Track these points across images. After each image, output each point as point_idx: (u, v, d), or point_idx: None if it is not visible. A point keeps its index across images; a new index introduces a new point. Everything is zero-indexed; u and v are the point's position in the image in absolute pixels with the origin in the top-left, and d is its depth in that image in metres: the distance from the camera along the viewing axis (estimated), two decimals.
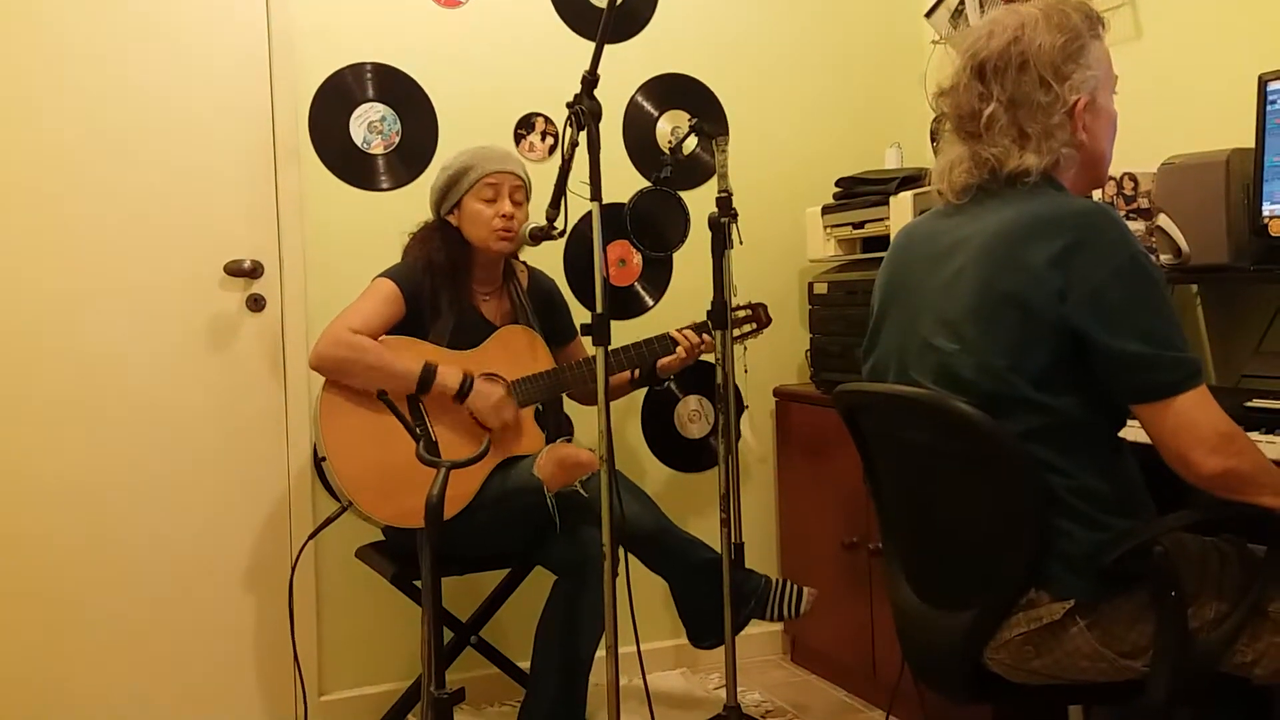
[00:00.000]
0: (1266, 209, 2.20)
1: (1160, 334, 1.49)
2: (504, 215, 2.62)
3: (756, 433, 3.40)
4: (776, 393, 3.35)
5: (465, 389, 2.51)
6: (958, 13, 2.96)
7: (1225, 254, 2.25)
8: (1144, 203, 2.46)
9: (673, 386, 3.29)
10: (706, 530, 2.88)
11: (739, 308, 2.82)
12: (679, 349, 2.73)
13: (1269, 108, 2.21)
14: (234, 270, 2.88)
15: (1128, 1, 2.77)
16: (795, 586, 2.74)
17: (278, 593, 2.88)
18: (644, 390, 3.22)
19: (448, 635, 2.71)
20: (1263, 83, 2.23)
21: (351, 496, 2.44)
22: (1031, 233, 1.53)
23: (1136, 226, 2.42)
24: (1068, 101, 1.62)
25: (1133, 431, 1.59)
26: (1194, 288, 2.54)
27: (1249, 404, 2.02)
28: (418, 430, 2.09)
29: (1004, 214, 1.58)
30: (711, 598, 2.63)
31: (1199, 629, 1.53)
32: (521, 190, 2.67)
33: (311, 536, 2.71)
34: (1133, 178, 2.46)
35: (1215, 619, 1.54)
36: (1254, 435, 1.85)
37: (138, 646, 2.83)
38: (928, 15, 3.10)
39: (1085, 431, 1.55)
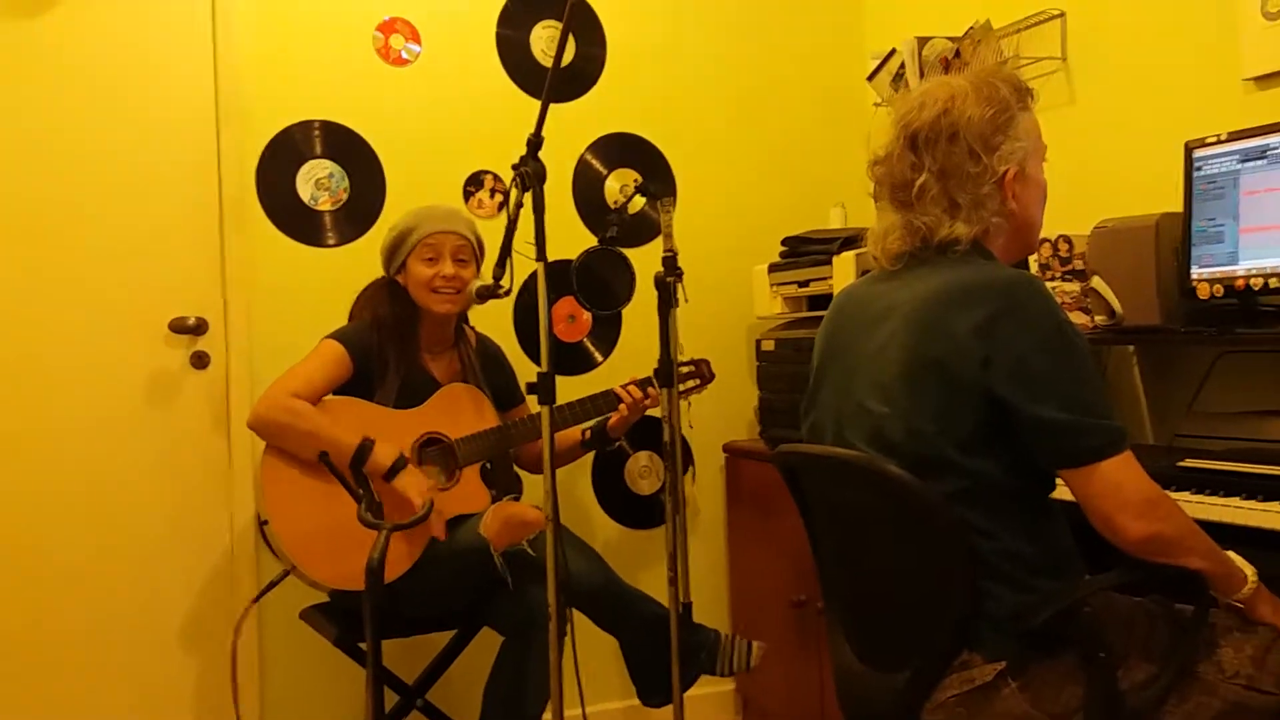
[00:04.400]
0: (1195, 272, 2.26)
1: (1083, 401, 1.52)
2: (444, 276, 2.62)
3: (706, 489, 3.40)
4: (726, 449, 3.37)
5: (394, 471, 2.48)
6: (898, 77, 3.03)
7: (1157, 316, 2.30)
8: (1079, 264, 2.52)
9: (624, 444, 3.29)
10: (657, 588, 2.87)
11: (682, 364, 2.84)
12: (621, 405, 2.75)
13: (1195, 174, 2.28)
14: (178, 327, 2.86)
15: (1062, 68, 2.86)
16: (745, 641, 2.74)
17: (220, 655, 2.83)
18: None
19: (394, 698, 2.68)
20: (1189, 150, 2.30)
21: (294, 559, 2.42)
22: (957, 301, 1.56)
23: (1071, 288, 2.47)
24: (997, 172, 1.66)
25: (1066, 492, 1.61)
26: (1130, 348, 2.59)
27: (1181, 464, 2.05)
28: (360, 492, 2.08)
29: (933, 281, 1.61)
30: (661, 655, 2.61)
31: (1128, 690, 1.55)
32: (466, 249, 2.68)
33: (254, 601, 2.68)
34: (1068, 240, 2.52)
35: (1145, 680, 1.56)
36: (1186, 495, 1.89)
37: (75, 709, 2.77)
38: (870, 79, 3.17)
39: (1012, 494, 1.57)
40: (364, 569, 1.84)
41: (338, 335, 2.61)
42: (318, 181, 3.00)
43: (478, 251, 2.71)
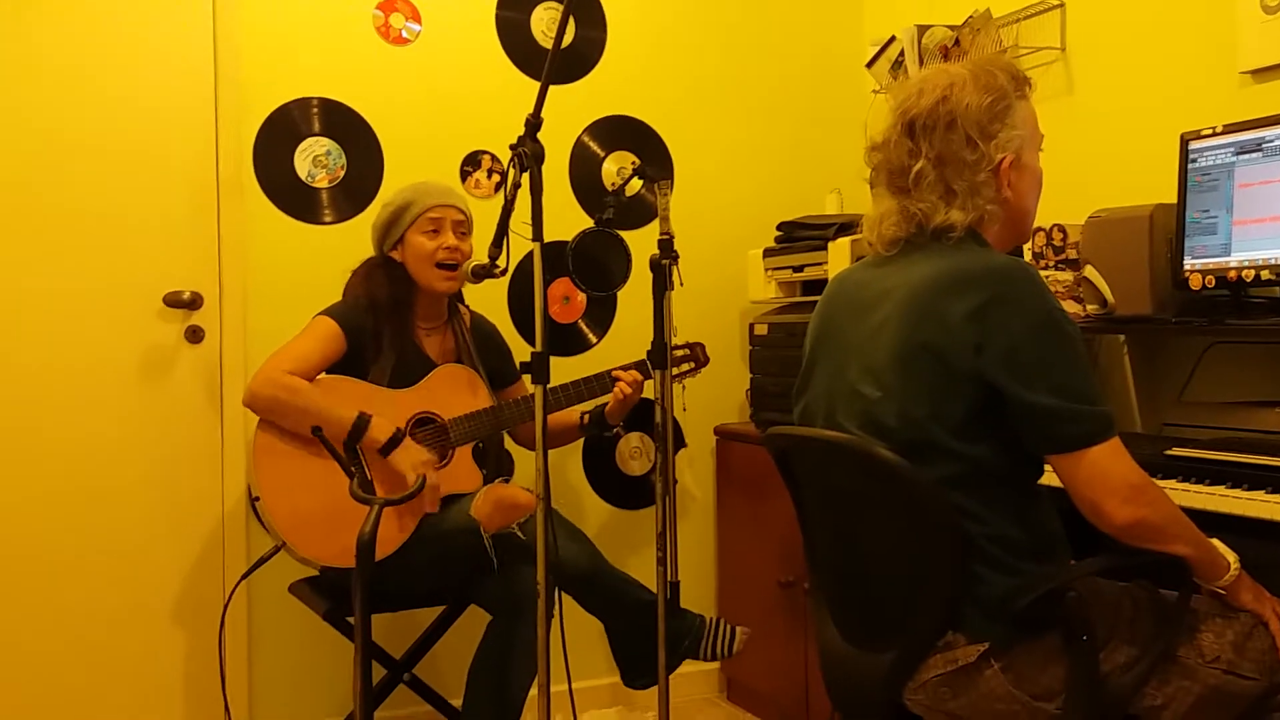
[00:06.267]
0: (1187, 263, 2.27)
1: (1074, 388, 1.53)
2: (448, 248, 2.63)
3: (697, 473, 3.42)
4: (717, 431, 3.38)
5: (391, 444, 2.49)
6: (897, 64, 3.03)
7: (1149, 305, 2.31)
8: (1073, 254, 2.53)
9: (617, 426, 3.29)
10: (645, 567, 2.88)
11: (677, 347, 2.85)
12: (618, 387, 2.75)
13: (1190, 166, 2.29)
14: (173, 301, 2.86)
15: (1060, 58, 2.86)
16: (729, 626, 2.76)
17: (209, 630, 2.84)
18: None
19: (381, 672, 2.69)
20: (1184, 142, 2.31)
21: (285, 536, 2.42)
22: (951, 287, 1.57)
23: (1064, 276, 2.48)
24: (993, 160, 1.66)
25: (1053, 478, 1.62)
26: (1121, 338, 2.61)
27: (1169, 452, 2.07)
28: (352, 469, 2.08)
29: (927, 267, 1.62)
30: (646, 639, 2.62)
31: (1110, 673, 1.56)
32: (464, 224, 2.69)
33: (244, 577, 2.69)
34: (1062, 229, 2.53)
35: (1126, 663, 1.58)
36: (1172, 483, 1.90)
37: (63, 684, 2.78)
38: (869, 66, 3.18)
39: (1002, 479, 1.58)
40: (354, 546, 1.84)
41: (330, 312, 2.61)
42: (315, 159, 3.00)
43: (471, 228, 2.72)
